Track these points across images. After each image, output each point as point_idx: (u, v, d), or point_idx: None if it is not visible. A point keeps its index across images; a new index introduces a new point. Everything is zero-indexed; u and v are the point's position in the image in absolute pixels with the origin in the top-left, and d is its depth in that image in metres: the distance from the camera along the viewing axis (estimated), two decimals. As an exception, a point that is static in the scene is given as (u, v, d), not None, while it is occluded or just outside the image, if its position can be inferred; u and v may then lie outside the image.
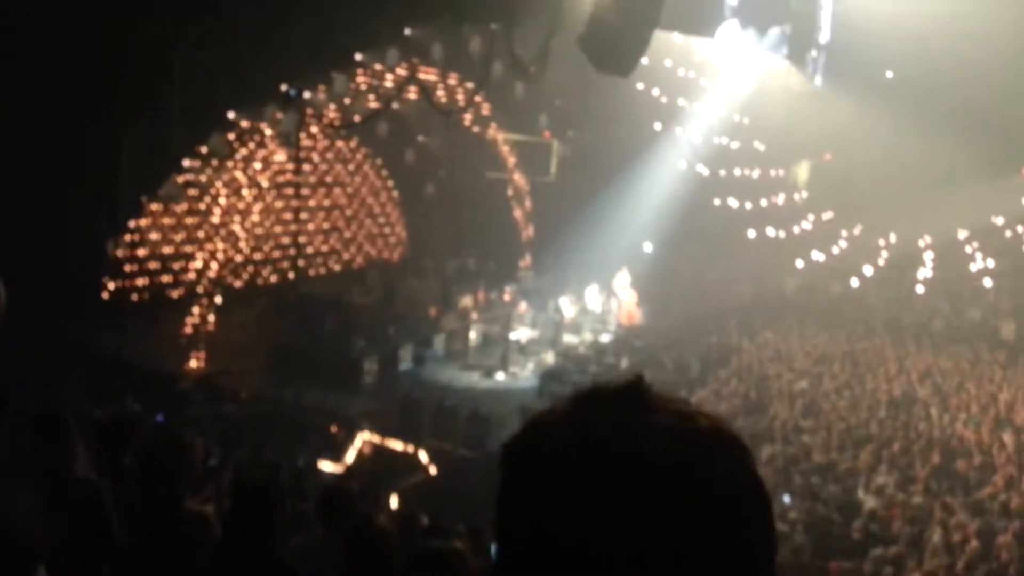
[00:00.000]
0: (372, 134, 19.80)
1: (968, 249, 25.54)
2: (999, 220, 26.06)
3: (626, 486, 0.78)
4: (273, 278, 19.06)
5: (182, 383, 14.93)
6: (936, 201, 25.25)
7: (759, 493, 0.83)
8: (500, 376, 17.09)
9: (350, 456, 13.10)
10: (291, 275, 17.83)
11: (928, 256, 25.57)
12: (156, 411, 11.93)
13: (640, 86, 21.28)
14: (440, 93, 19.15)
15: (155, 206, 16.32)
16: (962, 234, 26.01)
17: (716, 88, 24.72)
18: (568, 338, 19.29)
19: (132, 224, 15.88)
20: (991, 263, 24.19)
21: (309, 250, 20.34)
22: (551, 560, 0.79)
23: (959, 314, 23.70)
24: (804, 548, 9.86)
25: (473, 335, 18.65)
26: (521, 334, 18.21)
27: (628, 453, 0.79)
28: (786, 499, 11.12)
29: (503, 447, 0.90)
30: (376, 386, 16.18)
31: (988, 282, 23.90)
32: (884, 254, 25.93)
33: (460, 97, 19.47)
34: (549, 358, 17.83)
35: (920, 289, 24.20)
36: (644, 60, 15.68)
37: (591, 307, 20.93)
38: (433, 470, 13.00)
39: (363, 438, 13.40)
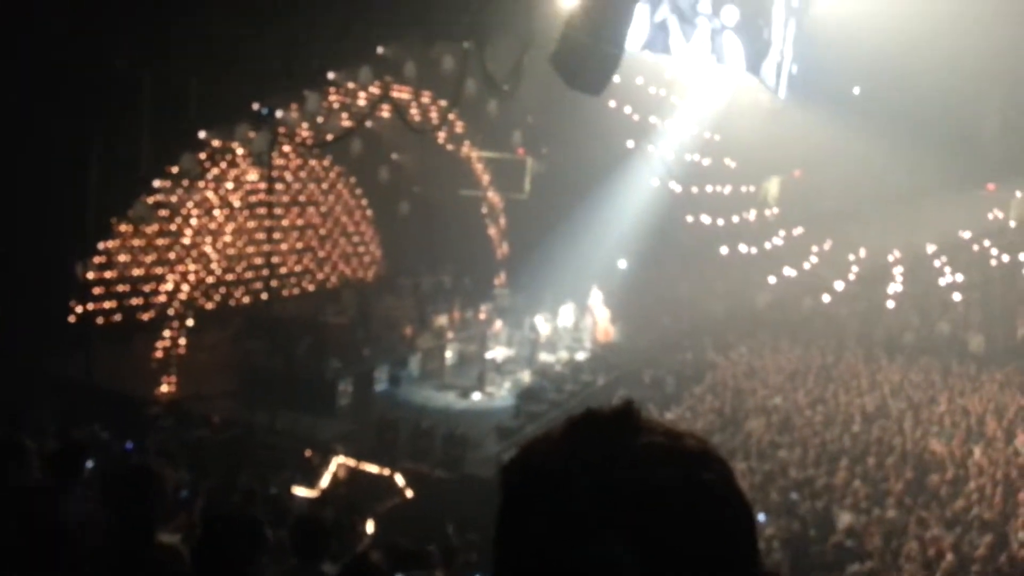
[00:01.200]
0: (345, 152, 19.69)
1: (937, 263, 25.91)
2: (966, 234, 26.50)
3: (619, 506, 0.82)
4: (246, 299, 18.83)
5: (153, 408, 14.67)
6: (904, 216, 25.65)
7: (745, 510, 0.88)
8: (476, 396, 16.99)
9: (325, 481, 12.93)
10: (264, 296, 17.62)
11: (897, 271, 25.91)
12: (125, 438, 11.72)
13: (612, 104, 21.39)
14: (413, 111, 19.12)
15: (125, 227, 16.09)
16: (930, 248, 26.39)
17: (687, 106, 24.94)
18: (544, 356, 19.25)
19: (101, 246, 15.63)
20: (959, 277, 24.57)
21: (282, 270, 20.14)
22: None
23: (929, 327, 24.02)
24: (781, 565, 9.87)
25: (449, 354, 18.55)
26: (497, 353, 18.15)
27: (621, 474, 0.84)
28: (760, 517, 11.14)
29: (500, 470, 0.92)
30: (351, 408, 16.01)
31: (957, 296, 24.25)
32: (854, 269, 26.23)
33: (433, 115, 19.46)
34: (525, 377, 17.78)
35: (890, 303, 24.49)
36: (616, 78, 15.74)
37: (566, 325, 20.93)
38: (409, 493, 12.87)
39: (338, 462, 13.24)
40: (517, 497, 0.88)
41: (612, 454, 0.85)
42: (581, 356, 20.06)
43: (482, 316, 20.26)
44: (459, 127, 21.03)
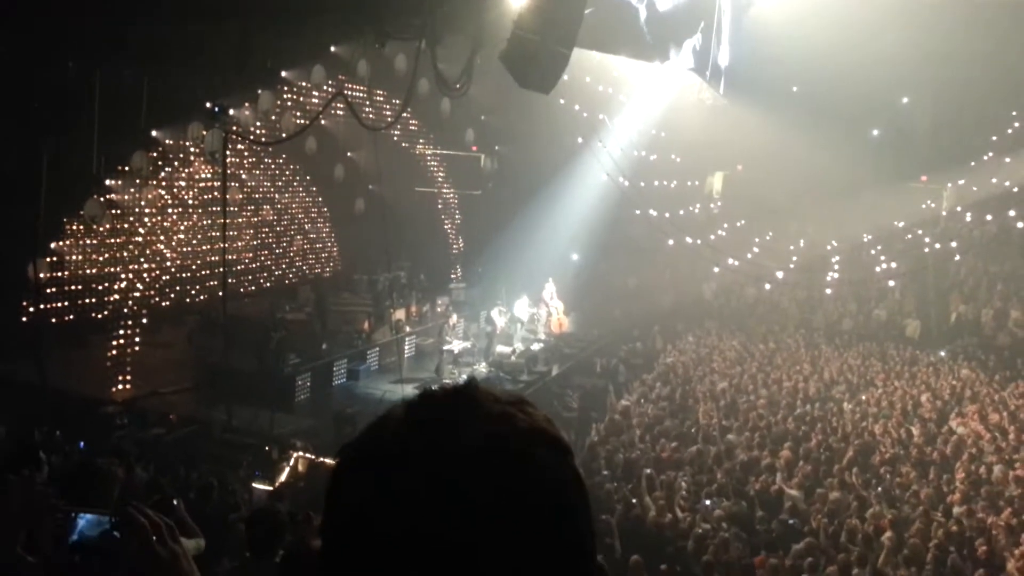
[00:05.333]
0: (300, 150, 19.75)
1: (872, 252, 26.93)
2: (900, 224, 27.55)
3: (443, 483, 0.80)
4: (202, 297, 18.78)
5: (109, 407, 14.62)
6: (841, 208, 26.59)
7: (573, 490, 0.86)
8: (433, 389, 17.23)
9: (283, 476, 13.06)
10: (220, 293, 17.64)
11: (835, 260, 26.84)
12: (80, 438, 11.71)
13: (562, 101, 21.79)
14: (367, 109, 19.26)
15: (77, 227, 15.94)
16: (866, 238, 27.41)
17: (633, 103, 25.51)
18: (500, 348, 19.62)
19: (53, 246, 15.48)
20: (894, 265, 25.57)
21: (239, 267, 20.11)
22: (374, 558, 0.80)
23: (866, 314, 25.03)
24: (730, 544, 10.28)
25: (406, 348, 18.80)
26: (454, 346, 18.45)
27: (447, 451, 0.82)
28: (707, 502, 11.60)
29: (340, 448, 0.91)
30: (310, 403, 16.17)
31: (892, 283, 25.25)
32: (794, 259, 27.09)
33: (387, 113, 19.63)
34: (482, 369, 18.12)
35: (829, 291, 25.39)
36: (565, 76, 16.07)
37: (521, 317, 21.34)
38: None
39: (297, 456, 13.39)
40: (347, 471, 0.87)
41: (440, 431, 0.84)
42: (536, 347, 20.48)
43: (439, 310, 20.54)
44: (413, 125, 21.23)
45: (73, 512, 1.76)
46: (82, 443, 11.71)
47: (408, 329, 19.27)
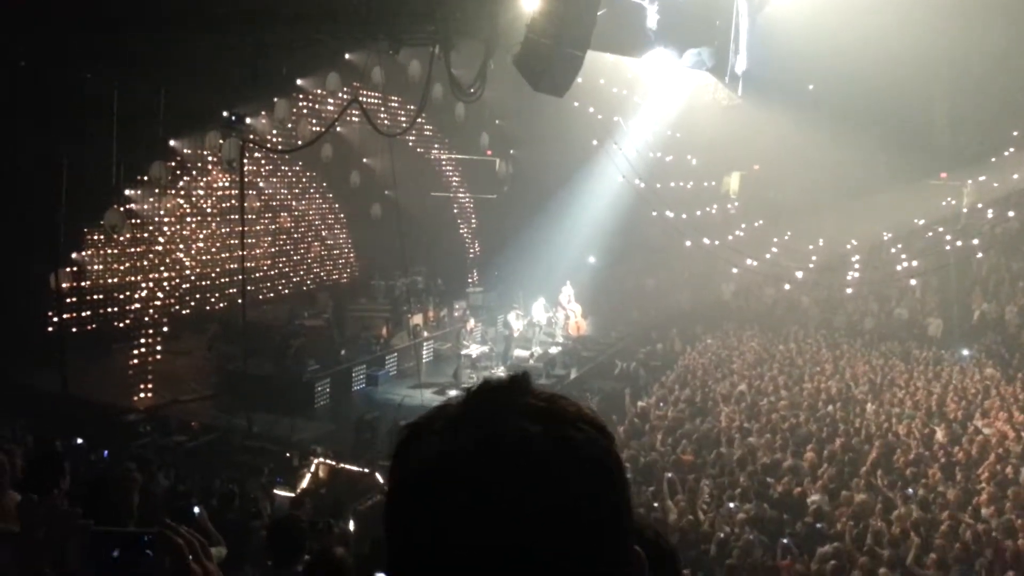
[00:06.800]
0: (316, 157, 19.85)
1: (893, 251, 26.68)
2: (920, 222, 27.29)
3: (494, 457, 0.85)
4: (221, 304, 18.91)
5: (131, 415, 14.73)
6: (860, 206, 26.36)
7: (615, 472, 0.90)
8: (453, 393, 17.27)
9: (305, 482, 13.09)
10: (239, 301, 17.75)
11: (855, 259, 26.62)
12: (103, 446, 11.80)
13: (576, 104, 21.75)
14: (382, 116, 19.33)
15: (97, 237, 16.09)
16: (886, 236, 27.16)
17: (648, 104, 25.43)
18: (518, 352, 19.61)
19: (74, 256, 15.63)
20: (915, 263, 25.33)
21: (257, 275, 20.24)
22: (429, 523, 0.84)
23: (888, 313, 24.80)
24: (754, 548, 10.18)
25: (425, 353, 18.82)
26: (472, 350, 18.46)
27: (498, 428, 0.87)
28: (730, 506, 11.51)
29: (403, 425, 0.97)
30: (329, 409, 16.22)
31: (913, 282, 25.01)
32: (814, 258, 26.89)
33: (402, 119, 19.69)
34: (500, 373, 18.09)
35: (849, 291, 25.19)
36: (579, 79, 16.04)
37: (539, 320, 21.31)
38: (391, 489, 13.03)
39: (318, 462, 13.42)
40: (409, 447, 0.92)
41: (496, 414, 0.88)
42: (554, 350, 20.45)
43: (456, 314, 20.55)
44: (428, 131, 21.27)
45: (107, 531, 1.77)
46: (106, 452, 11.79)
47: (426, 334, 19.30)
